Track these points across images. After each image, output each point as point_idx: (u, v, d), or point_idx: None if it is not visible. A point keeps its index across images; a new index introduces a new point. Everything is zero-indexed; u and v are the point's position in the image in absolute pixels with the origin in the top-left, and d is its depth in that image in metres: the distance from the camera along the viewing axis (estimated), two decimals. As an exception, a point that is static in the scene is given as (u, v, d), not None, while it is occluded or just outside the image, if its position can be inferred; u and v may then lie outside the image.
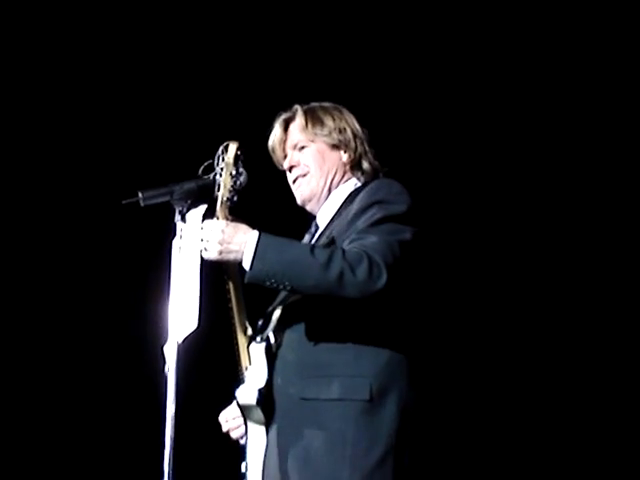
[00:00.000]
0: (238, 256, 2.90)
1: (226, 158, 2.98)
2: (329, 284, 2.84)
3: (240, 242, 2.89)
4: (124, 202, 3.13)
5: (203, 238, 2.93)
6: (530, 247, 5.18)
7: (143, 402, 4.56)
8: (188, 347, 2.98)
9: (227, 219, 2.94)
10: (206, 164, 3.05)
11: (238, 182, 2.98)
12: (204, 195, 3.09)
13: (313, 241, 3.21)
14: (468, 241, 5.13)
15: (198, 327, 2.93)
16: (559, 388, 5.09)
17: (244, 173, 3.04)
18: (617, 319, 5.08)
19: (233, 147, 3.00)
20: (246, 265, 2.89)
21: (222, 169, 2.99)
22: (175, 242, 3.08)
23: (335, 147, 3.24)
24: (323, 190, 3.23)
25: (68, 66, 5.25)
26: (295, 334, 3.03)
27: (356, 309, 2.94)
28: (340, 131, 3.23)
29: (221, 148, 3.03)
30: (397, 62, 5.18)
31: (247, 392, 3.02)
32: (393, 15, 5.15)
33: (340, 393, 2.93)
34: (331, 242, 3.03)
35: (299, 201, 3.29)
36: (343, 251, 2.88)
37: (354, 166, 3.25)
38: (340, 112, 3.29)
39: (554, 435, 5.07)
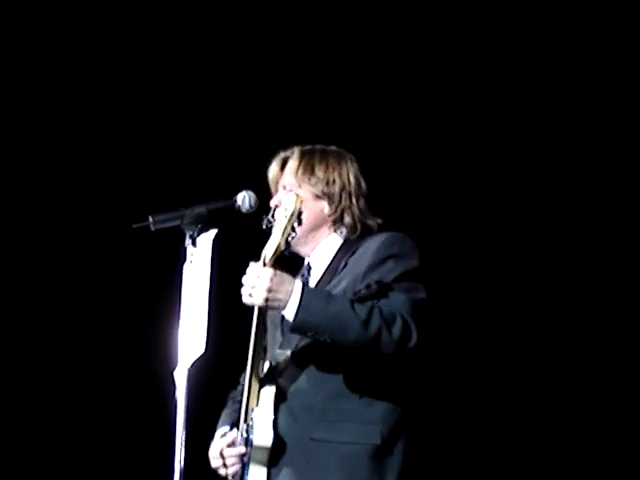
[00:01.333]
0: (282, 305, 2.94)
1: (291, 208, 2.96)
2: (367, 341, 2.92)
3: (286, 292, 2.92)
4: (135, 226, 3.15)
5: (248, 283, 2.94)
6: (528, 273, 5.15)
7: (153, 427, 4.54)
8: (198, 372, 2.98)
9: (273, 266, 2.95)
10: (269, 217, 3.07)
11: (293, 235, 2.97)
12: (215, 220, 3.10)
13: (312, 283, 3.22)
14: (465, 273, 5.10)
15: (205, 352, 2.93)
16: (564, 412, 5.05)
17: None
18: (617, 319, 5.04)
19: (299, 200, 2.98)
20: (289, 315, 2.93)
21: (286, 217, 2.96)
22: (185, 267, 3.08)
23: (319, 198, 3.22)
24: (300, 238, 3.16)
25: (84, 85, 5.26)
26: (305, 379, 3.06)
27: (368, 359, 3.01)
28: (327, 183, 3.21)
29: (287, 195, 3.04)
30: (396, 79, 5.18)
31: (262, 434, 3.03)
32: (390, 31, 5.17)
33: (351, 437, 3.00)
34: (344, 291, 3.06)
35: None
36: (380, 308, 2.94)
37: (336, 219, 3.23)
38: (338, 161, 3.26)
39: (558, 459, 5.04)
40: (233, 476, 3.14)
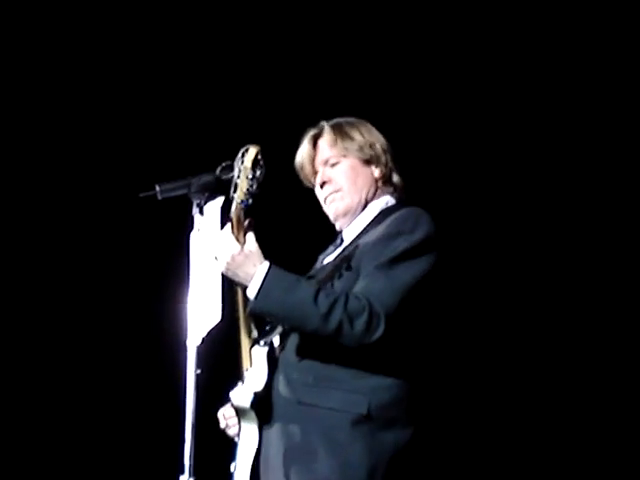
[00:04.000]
0: (244, 283, 2.94)
1: (245, 161, 2.98)
2: (327, 333, 2.90)
3: (248, 273, 2.92)
4: (141, 195, 3.15)
5: (215, 247, 2.95)
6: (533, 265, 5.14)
7: (163, 398, 4.55)
8: (210, 342, 2.97)
9: (240, 221, 2.95)
10: (224, 164, 3.06)
11: (254, 186, 2.98)
12: (222, 188, 3.08)
13: (336, 253, 3.19)
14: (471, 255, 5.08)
15: (221, 320, 2.93)
16: (565, 406, 5.05)
17: (262, 170, 3.04)
18: (617, 320, 5.02)
19: (253, 151, 3.00)
20: (250, 296, 2.93)
21: (240, 171, 2.98)
22: (193, 235, 3.07)
23: (367, 162, 3.22)
24: (358, 206, 3.20)
25: (87, 62, 5.26)
26: (298, 343, 3.03)
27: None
28: (370, 146, 3.22)
29: (242, 151, 3.02)
30: (398, 70, 5.15)
31: (242, 394, 3.04)
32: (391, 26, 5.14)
33: (339, 404, 2.95)
34: (351, 257, 3.01)
35: (332, 217, 3.26)
36: (346, 299, 2.89)
37: (385, 181, 3.23)
38: (366, 127, 3.27)
39: (559, 457, 5.04)
40: (236, 436, 3.15)
